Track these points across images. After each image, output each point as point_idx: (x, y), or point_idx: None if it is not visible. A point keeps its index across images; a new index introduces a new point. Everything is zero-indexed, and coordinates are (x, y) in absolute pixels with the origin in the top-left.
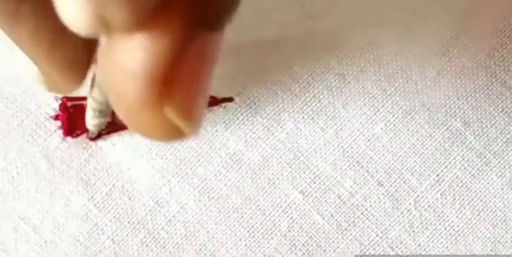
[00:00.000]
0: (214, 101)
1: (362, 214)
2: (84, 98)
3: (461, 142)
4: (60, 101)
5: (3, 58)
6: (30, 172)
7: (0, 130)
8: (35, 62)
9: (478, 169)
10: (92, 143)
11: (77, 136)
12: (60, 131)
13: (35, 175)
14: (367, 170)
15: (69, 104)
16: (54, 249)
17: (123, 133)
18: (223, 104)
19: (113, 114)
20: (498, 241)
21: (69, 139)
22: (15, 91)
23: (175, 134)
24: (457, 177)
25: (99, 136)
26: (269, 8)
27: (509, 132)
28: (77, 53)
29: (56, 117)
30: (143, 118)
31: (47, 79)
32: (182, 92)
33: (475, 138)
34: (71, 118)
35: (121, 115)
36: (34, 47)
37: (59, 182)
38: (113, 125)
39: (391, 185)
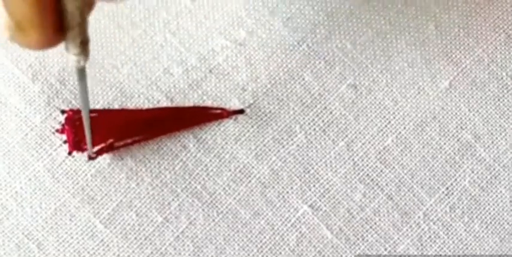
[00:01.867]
0: (225, 113)
1: (371, 228)
2: (91, 111)
3: (471, 154)
4: (66, 114)
5: (9, 71)
6: (34, 187)
7: (4, 143)
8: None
9: (487, 182)
10: (99, 157)
11: (84, 150)
12: (66, 145)
13: (39, 190)
14: (377, 184)
15: (75, 117)
16: None
17: (132, 147)
18: (233, 116)
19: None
20: (506, 255)
21: (75, 153)
22: (20, 104)
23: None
24: (466, 190)
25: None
26: (282, 16)
27: None
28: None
29: (62, 131)
30: None
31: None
32: None
33: (484, 150)
34: (77, 132)
35: None
36: None
37: (64, 198)
38: (122, 141)
39: (400, 199)
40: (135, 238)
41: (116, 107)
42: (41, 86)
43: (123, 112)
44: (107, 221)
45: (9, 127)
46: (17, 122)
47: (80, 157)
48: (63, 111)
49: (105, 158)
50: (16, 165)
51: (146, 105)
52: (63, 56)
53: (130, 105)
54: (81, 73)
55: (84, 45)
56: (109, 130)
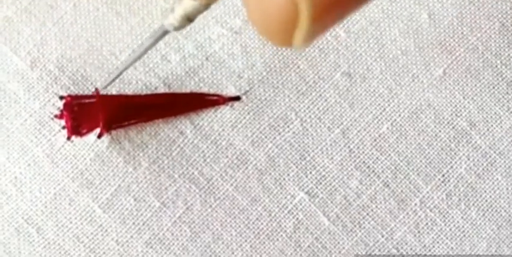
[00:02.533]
0: (221, 100)
1: (368, 214)
2: (89, 97)
3: (466, 141)
4: (64, 100)
5: (8, 58)
6: (33, 172)
7: (3, 129)
8: None
9: (483, 169)
10: (98, 142)
11: (82, 135)
12: (65, 131)
13: (38, 175)
14: (374, 171)
15: (73, 102)
16: (57, 250)
17: (129, 131)
18: (230, 103)
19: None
20: (503, 242)
21: (73, 138)
22: (19, 90)
23: (286, 33)
24: (462, 177)
25: None
26: None
27: None
28: None
29: (60, 116)
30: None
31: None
32: None
33: (480, 137)
34: (76, 117)
35: None
36: None
37: (63, 183)
38: (120, 121)
39: (397, 186)
40: (133, 223)
41: (114, 93)
42: (40, 72)
43: (120, 97)
44: (106, 205)
45: (8, 113)
46: (16, 108)
47: (79, 141)
48: (61, 97)
49: (103, 142)
50: (15, 150)
51: (144, 92)
52: (61, 42)
53: (128, 91)
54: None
55: (188, 21)
56: (107, 115)
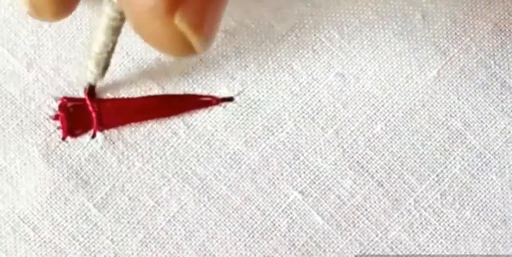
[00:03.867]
0: (214, 101)
1: (362, 214)
2: (83, 99)
3: (461, 141)
4: (59, 101)
5: (5, 59)
6: (29, 171)
7: (0, 129)
8: None
9: (478, 169)
10: (92, 142)
11: (77, 135)
12: (60, 131)
13: (34, 175)
14: (367, 170)
15: (68, 104)
16: (53, 249)
17: (123, 131)
18: (223, 104)
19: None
20: (498, 241)
21: (68, 138)
22: (15, 91)
23: (185, 47)
24: (456, 177)
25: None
26: (271, 6)
27: (509, 132)
28: None
29: (56, 118)
30: (154, 28)
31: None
32: (194, 4)
33: (474, 138)
34: (71, 118)
35: (133, 26)
36: None
37: (59, 182)
38: (113, 120)
39: (391, 185)
40: (128, 222)
41: (108, 95)
42: (36, 74)
43: (113, 101)
44: (100, 205)
45: (5, 114)
46: (12, 109)
47: (74, 142)
48: (57, 99)
49: (97, 142)
50: (11, 150)
51: (138, 93)
52: (57, 44)
53: (122, 93)
54: (92, 89)
55: (104, 70)
56: (100, 118)
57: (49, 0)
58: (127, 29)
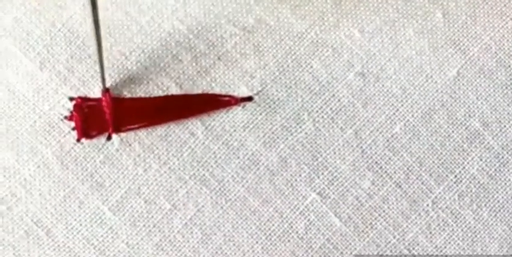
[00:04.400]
0: (234, 101)
1: (380, 215)
2: (99, 99)
3: (479, 142)
4: (74, 101)
5: (17, 59)
6: (43, 174)
7: (13, 131)
8: None
9: (495, 170)
10: (107, 144)
11: (92, 137)
12: (74, 132)
13: (48, 177)
14: (386, 171)
15: (83, 104)
16: (67, 253)
17: (139, 133)
18: (242, 104)
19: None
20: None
21: (83, 140)
22: (28, 92)
23: None
24: (474, 178)
25: None
26: (290, 3)
27: None
28: None
29: (70, 118)
30: None
31: None
32: None
33: (493, 138)
34: (86, 119)
35: None
36: None
37: (73, 185)
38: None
39: (409, 187)
40: (144, 225)
41: (125, 93)
42: (49, 74)
43: (131, 100)
44: (116, 208)
45: (18, 115)
46: (26, 110)
47: (89, 143)
48: (71, 98)
49: (113, 144)
50: (25, 152)
51: (155, 92)
52: (71, 43)
53: (140, 91)
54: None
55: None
56: (116, 117)
57: None
58: (141, 27)
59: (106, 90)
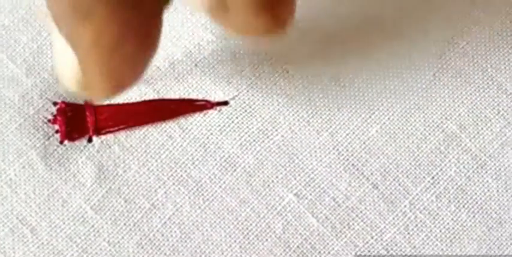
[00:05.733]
0: (209, 105)
1: (357, 216)
2: (81, 104)
3: (456, 144)
4: (58, 106)
5: (4, 65)
6: (28, 174)
7: None
8: (84, 63)
9: (473, 171)
10: (89, 145)
11: (75, 139)
12: (58, 135)
13: (32, 177)
14: (362, 173)
15: (67, 108)
16: (51, 250)
17: (119, 135)
18: (218, 108)
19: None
20: (493, 243)
21: (66, 142)
22: (14, 96)
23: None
24: (452, 179)
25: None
26: None
27: (505, 135)
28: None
29: (54, 121)
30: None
31: (86, 83)
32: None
33: (470, 140)
34: (69, 122)
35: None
36: (94, 48)
37: (56, 184)
38: (109, 125)
39: (386, 188)
40: (125, 224)
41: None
42: (34, 80)
43: (110, 106)
44: (97, 207)
45: (4, 118)
46: (11, 113)
47: (71, 145)
48: (55, 103)
49: (94, 146)
50: (10, 153)
51: (133, 98)
52: None
53: (118, 97)
54: None
55: None
56: (96, 123)
57: (102, 78)
58: None
59: None
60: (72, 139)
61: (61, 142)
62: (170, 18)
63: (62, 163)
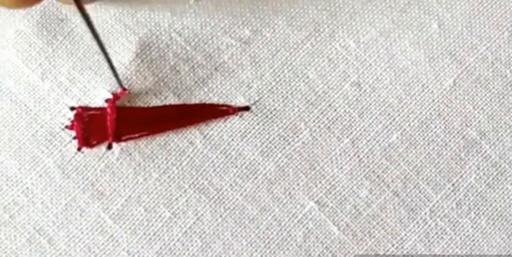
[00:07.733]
0: (231, 110)
1: (378, 224)
2: (99, 108)
3: (476, 151)
4: (75, 111)
5: (19, 70)
6: (45, 183)
7: (14, 140)
8: None
9: (493, 178)
10: (108, 153)
11: (93, 146)
12: (75, 141)
13: (49, 186)
14: (383, 180)
15: (84, 113)
16: None
17: (139, 142)
18: (239, 113)
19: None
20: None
21: (84, 149)
22: (29, 101)
23: None
24: (472, 186)
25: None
26: (286, 15)
27: None
28: None
29: (71, 127)
30: None
31: None
32: None
33: (490, 147)
34: (86, 128)
35: None
36: None
37: (74, 193)
38: (130, 133)
39: (406, 195)
40: (144, 233)
41: (125, 103)
42: (50, 84)
43: (131, 110)
44: (116, 216)
45: (20, 125)
46: (27, 120)
47: (90, 152)
48: (72, 108)
49: (113, 153)
50: (27, 161)
51: (154, 102)
52: (72, 54)
53: (139, 101)
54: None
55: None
56: (117, 126)
57: None
58: (140, 39)
59: (124, 90)
60: (90, 145)
61: (79, 149)
62: (189, 22)
63: (79, 171)
